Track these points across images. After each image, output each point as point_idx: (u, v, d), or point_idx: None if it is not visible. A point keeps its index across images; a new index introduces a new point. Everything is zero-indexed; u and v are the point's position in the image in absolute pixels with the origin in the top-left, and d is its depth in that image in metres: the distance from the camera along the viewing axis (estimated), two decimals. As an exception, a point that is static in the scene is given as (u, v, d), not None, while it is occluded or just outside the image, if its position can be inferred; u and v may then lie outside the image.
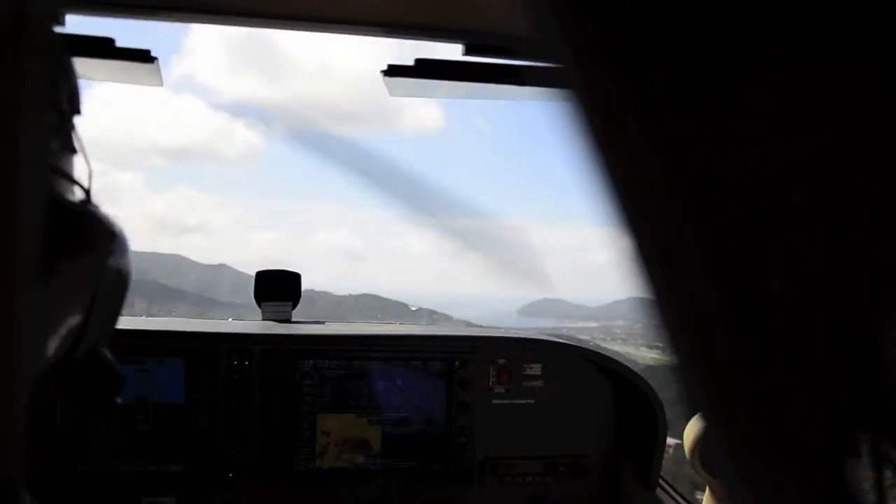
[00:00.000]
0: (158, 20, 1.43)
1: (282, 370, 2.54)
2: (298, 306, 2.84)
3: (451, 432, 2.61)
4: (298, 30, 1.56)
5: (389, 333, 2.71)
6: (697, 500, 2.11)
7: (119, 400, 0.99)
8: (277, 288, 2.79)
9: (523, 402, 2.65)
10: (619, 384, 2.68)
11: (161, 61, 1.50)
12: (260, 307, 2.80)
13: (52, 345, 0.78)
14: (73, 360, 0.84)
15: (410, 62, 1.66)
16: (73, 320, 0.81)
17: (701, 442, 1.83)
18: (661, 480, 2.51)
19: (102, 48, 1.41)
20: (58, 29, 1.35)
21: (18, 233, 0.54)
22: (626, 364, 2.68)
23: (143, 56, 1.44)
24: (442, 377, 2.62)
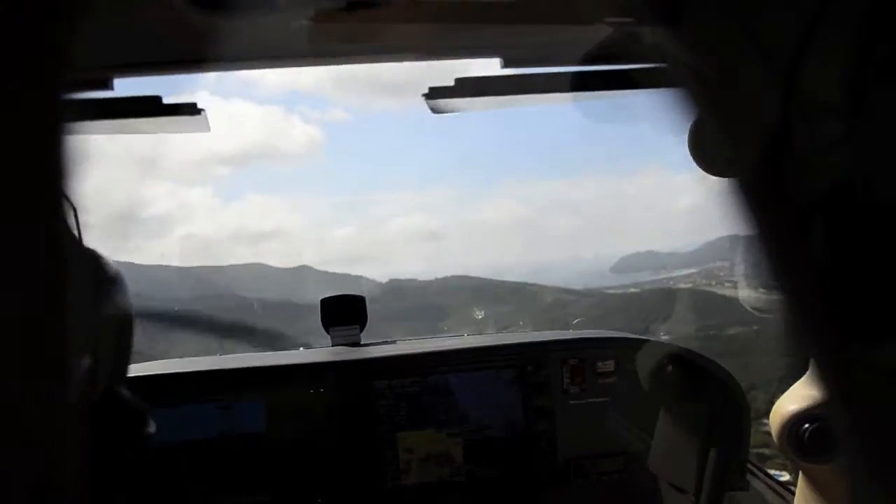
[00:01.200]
0: (201, 72, 1.50)
1: (357, 393, 2.61)
2: (386, 299, 2.91)
3: (530, 437, 2.65)
4: (337, 64, 1.62)
5: (459, 347, 2.76)
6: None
7: (149, 438, 1.02)
8: (343, 313, 2.85)
9: (599, 399, 2.67)
10: (695, 372, 2.66)
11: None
12: (328, 333, 2.86)
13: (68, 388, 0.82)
14: (90, 403, 0.88)
15: (450, 77, 1.69)
16: (83, 363, 0.83)
17: (795, 423, 1.79)
18: (754, 468, 2.49)
19: (151, 107, 1.48)
20: (107, 93, 1.44)
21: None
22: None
23: (191, 109, 1.51)
24: (516, 383, 2.66)
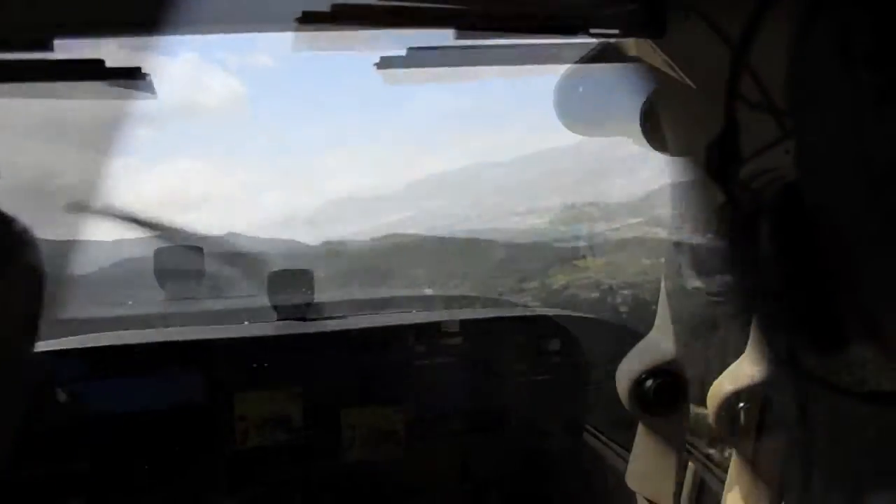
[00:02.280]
0: (149, 35, 1.36)
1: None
2: (328, 264, 2.86)
3: (370, 398, 2.72)
4: (288, 31, 1.52)
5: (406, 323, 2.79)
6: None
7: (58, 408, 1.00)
8: (291, 286, 2.76)
9: (444, 360, 2.78)
10: (539, 330, 2.83)
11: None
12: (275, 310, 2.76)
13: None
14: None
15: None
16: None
17: (731, 403, 1.99)
18: (587, 427, 2.72)
19: (93, 70, 1.33)
20: (47, 55, 1.28)
21: None
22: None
23: (136, 73, 1.37)
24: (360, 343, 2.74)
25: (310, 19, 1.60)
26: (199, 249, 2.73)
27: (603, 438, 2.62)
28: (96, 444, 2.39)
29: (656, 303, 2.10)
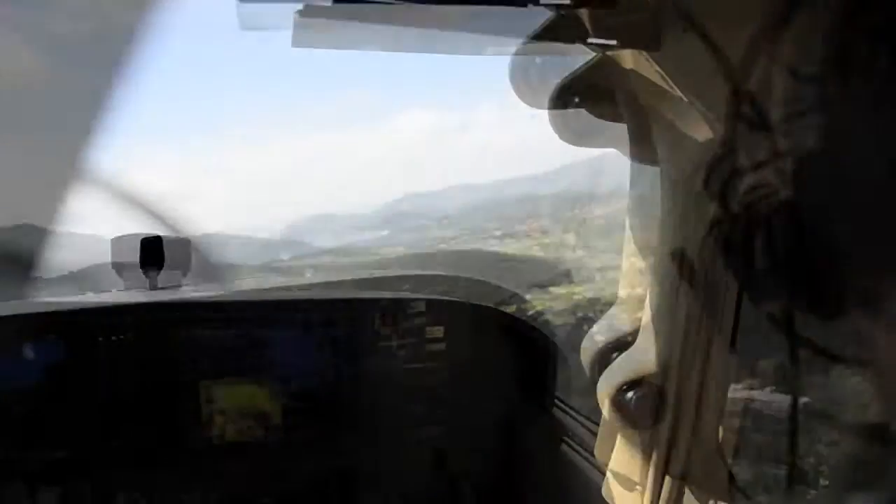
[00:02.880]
0: None
1: (161, 341, 2.50)
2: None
3: (349, 395, 2.78)
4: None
5: (281, 299, 2.75)
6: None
7: None
8: (163, 254, 2.70)
9: (422, 364, 2.83)
10: (511, 332, 2.86)
11: None
12: (146, 276, 2.70)
13: None
14: None
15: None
16: None
17: (621, 391, 2.06)
18: (565, 438, 2.74)
19: None
20: None
21: None
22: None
23: None
24: (337, 342, 2.74)
25: None
26: (158, 238, 2.70)
27: (582, 452, 2.64)
28: None
29: (632, 333, 2.14)
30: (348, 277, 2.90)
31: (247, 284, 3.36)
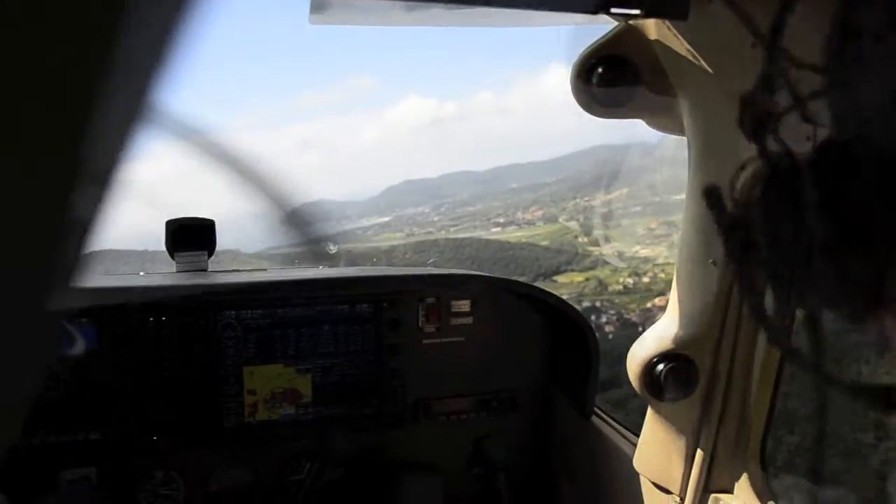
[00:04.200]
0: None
1: (201, 323, 2.53)
2: None
3: (382, 376, 2.72)
4: None
5: (312, 278, 2.75)
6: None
7: None
8: (191, 237, 2.72)
9: (453, 339, 2.80)
10: (549, 314, 2.88)
11: None
12: (173, 258, 2.73)
13: None
14: None
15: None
16: None
17: (650, 365, 2.09)
18: (596, 408, 2.76)
19: None
20: None
21: None
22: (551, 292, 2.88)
23: None
24: (370, 320, 2.71)
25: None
26: (211, 222, 2.73)
27: (610, 421, 2.66)
28: None
29: (643, 324, 2.16)
30: (366, 274, 2.90)
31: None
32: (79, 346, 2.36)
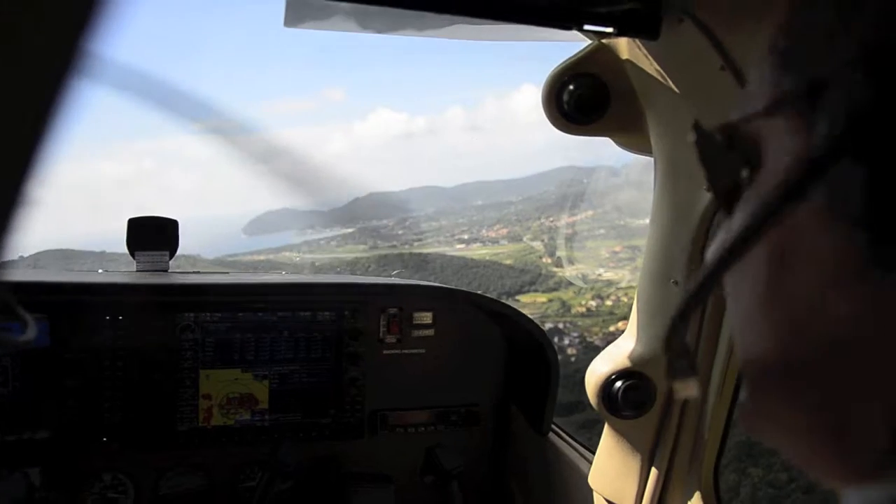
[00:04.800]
0: None
1: (159, 324, 2.51)
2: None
3: (340, 385, 2.71)
4: None
5: (275, 282, 2.74)
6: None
7: None
8: (153, 236, 2.71)
9: (414, 351, 2.80)
10: (510, 329, 2.89)
11: None
12: (133, 257, 2.71)
13: None
14: None
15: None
16: None
17: (608, 383, 2.12)
18: (553, 425, 2.78)
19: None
20: None
21: None
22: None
23: None
24: (331, 328, 2.70)
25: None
26: (174, 222, 2.72)
27: (567, 438, 2.68)
28: None
29: (603, 347, 2.20)
30: (324, 280, 2.89)
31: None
32: (24, 336, 2.33)
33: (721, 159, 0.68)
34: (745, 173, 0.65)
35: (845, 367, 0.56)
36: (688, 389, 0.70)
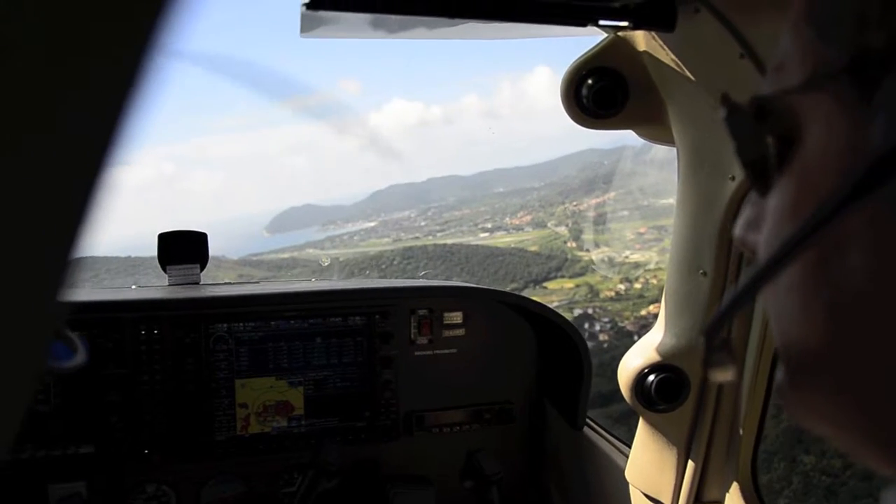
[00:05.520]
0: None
1: (193, 336, 2.55)
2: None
3: (374, 388, 2.74)
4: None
5: (305, 290, 2.77)
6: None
7: None
8: (183, 249, 2.75)
9: (446, 351, 2.83)
10: (541, 325, 2.91)
11: None
12: (165, 272, 2.75)
13: None
14: None
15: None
16: None
17: (641, 376, 2.13)
18: (588, 419, 2.80)
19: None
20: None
21: None
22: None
23: None
24: (362, 333, 2.74)
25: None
26: (203, 235, 2.76)
27: (602, 432, 2.69)
28: None
29: (638, 333, 2.20)
30: (361, 286, 2.92)
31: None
32: (74, 360, 2.38)
33: (753, 134, 0.64)
34: (774, 149, 0.62)
35: (887, 360, 0.55)
36: (726, 376, 0.70)
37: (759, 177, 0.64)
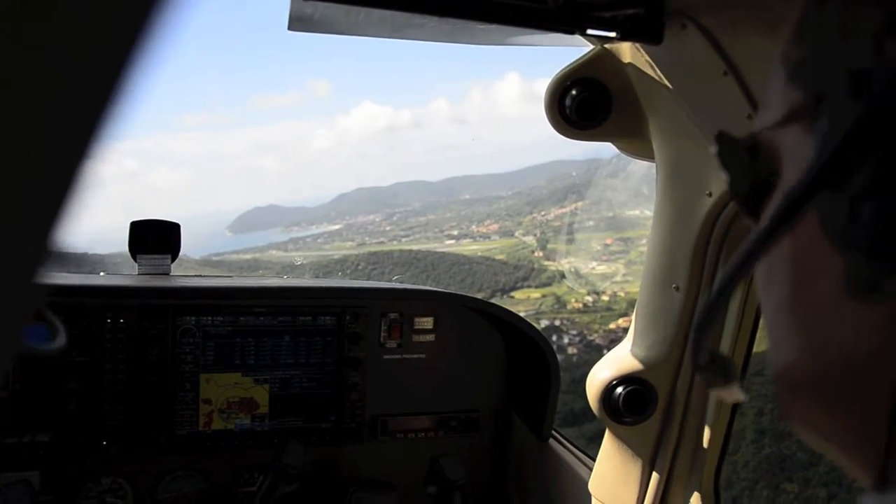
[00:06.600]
0: None
1: (160, 327, 2.54)
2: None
3: (341, 390, 2.75)
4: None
5: (277, 286, 2.77)
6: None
7: None
8: (154, 239, 2.74)
9: (415, 356, 2.84)
10: (510, 335, 2.93)
11: None
12: (135, 261, 2.74)
13: None
14: None
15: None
16: None
17: (609, 389, 2.16)
18: (553, 431, 2.82)
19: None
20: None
21: None
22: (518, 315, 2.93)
23: None
24: (331, 333, 2.74)
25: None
26: (176, 225, 2.75)
27: (567, 444, 2.71)
28: None
29: (607, 347, 2.23)
30: (325, 285, 2.92)
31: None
32: (55, 343, 2.36)
33: (746, 168, 0.70)
34: (765, 181, 0.68)
35: (862, 377, 0.59)
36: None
37: (752, 207, 0.70)
